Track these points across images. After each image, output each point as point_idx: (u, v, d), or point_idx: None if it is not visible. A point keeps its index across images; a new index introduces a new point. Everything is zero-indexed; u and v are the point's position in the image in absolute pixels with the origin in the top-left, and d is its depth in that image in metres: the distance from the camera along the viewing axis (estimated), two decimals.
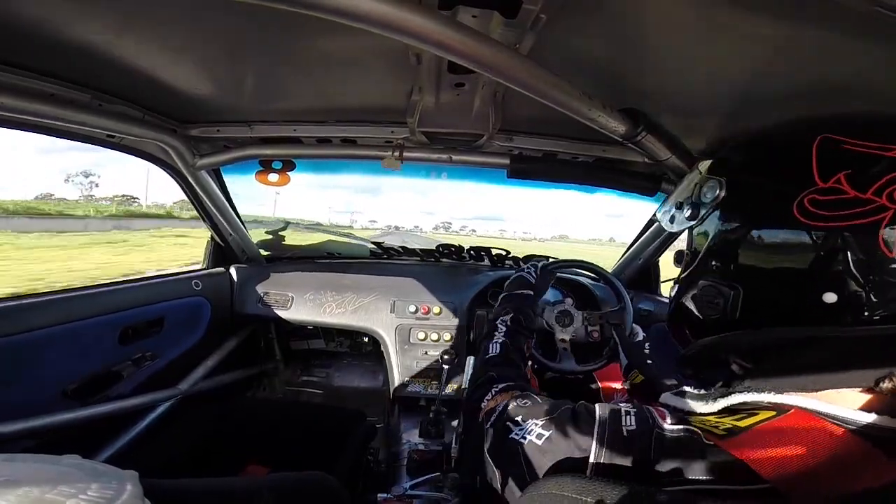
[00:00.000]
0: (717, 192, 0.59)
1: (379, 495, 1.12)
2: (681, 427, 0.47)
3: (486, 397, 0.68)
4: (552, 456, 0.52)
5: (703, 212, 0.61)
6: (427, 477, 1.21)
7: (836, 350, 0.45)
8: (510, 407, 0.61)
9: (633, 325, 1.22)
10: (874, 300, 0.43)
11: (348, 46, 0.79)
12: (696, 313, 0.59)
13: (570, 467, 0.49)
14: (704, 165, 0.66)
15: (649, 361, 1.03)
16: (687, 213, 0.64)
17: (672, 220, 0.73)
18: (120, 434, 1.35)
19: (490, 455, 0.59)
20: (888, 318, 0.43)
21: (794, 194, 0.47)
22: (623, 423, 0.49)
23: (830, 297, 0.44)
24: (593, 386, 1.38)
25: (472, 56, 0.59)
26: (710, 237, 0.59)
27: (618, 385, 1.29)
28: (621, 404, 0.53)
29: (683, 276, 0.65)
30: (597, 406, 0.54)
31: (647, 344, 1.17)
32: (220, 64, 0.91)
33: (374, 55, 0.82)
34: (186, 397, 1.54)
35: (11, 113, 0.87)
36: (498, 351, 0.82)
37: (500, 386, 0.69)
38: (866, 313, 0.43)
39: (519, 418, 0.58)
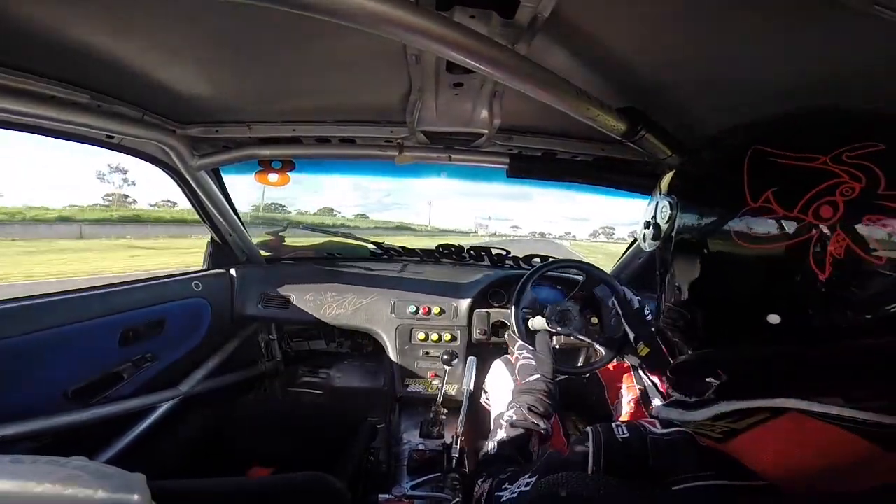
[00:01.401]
0: (670, 212, 0.56)
1: (380, 496, 1.12)
2: (673, 430, 0.48)
3: (478, 481, 0.70)
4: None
5: (662, 233, 0.58)
6: (428, 477, 1.21)
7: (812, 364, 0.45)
8: (496, 482, 0.62)
9: (626, 289, 1.20)
10: (817, 320, 0.42)
11: (347, 46, 0.79)
12: (669, 334, 0.60)
13: (572, 467, 0.50)
14: (665, 181, 0.62)
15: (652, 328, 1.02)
16: (651, 233, 0.61)
17: (644, 238, 0.69)
18: (121, 436, 1.36)
19: None
20: (835, 337, 0.42)
21: (730, 216, 0.46)
22: (616, 433, 0.50)
23: (774, 319, 0.44)
24: (599, 386, 1.37)
25: (469, 56, 0.59)
26: (670, 259, 0.57)
27: (623, 385, 1.28)
28: (612, 423, 0.54)
29: (656, 296, 0.64)
30: (587, 428, 0.55)
31: (645, 310, 1.16)
32: (218, 64, 0.91)
33: (373, 55, 0.82)
34: (187, 399, 1.54)
35: (11, 115, 0.87)
36: (494, 450, 0.88)
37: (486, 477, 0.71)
38: (811, 334, 0.43)
39: (506, 484, 0.59)
